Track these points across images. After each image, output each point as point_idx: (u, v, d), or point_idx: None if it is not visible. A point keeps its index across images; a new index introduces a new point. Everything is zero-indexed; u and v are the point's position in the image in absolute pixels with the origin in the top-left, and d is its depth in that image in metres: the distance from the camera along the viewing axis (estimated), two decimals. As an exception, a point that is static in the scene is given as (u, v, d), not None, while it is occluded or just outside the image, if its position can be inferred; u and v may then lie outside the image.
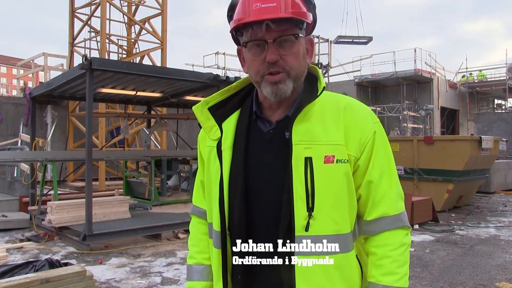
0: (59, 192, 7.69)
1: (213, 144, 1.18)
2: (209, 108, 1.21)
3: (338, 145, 1.09)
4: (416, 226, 7.12)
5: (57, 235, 6.26)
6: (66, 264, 3.61)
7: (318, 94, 1.13)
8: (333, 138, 1.10)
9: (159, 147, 12.14)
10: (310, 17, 1.12)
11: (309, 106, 1.11)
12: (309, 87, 1.17)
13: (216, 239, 1.17)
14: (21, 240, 6.20)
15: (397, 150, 9.24)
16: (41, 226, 6.66)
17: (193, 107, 1.23)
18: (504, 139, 11.87)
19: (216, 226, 1.16)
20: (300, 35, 1.10)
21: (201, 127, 1.25)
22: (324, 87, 1.15)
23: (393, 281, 1.10)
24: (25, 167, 8.12)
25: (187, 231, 6.49)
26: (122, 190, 8.87)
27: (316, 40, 16.20)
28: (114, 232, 5.92)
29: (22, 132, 10.06)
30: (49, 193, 7.83)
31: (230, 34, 1.17)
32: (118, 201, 6.96)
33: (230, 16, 1.15)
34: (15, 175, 8.77)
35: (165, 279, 4.50)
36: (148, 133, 10.53)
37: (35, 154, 7.24)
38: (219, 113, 1.21)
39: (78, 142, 11.41)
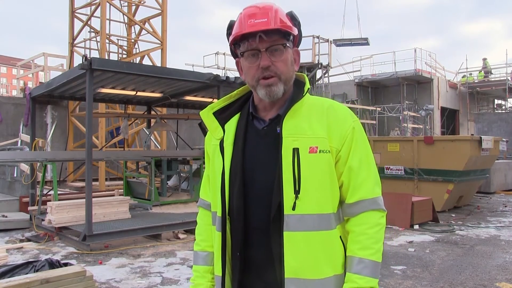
0: (59, 192, 7.69)
1: (217, 143, 1.39)
2: (214, 112, 1.42)
3: (321, 138, 1.29)
4: (416, 226, 7.12)
5: (57, 235, 6.26)
6: (66, 264, 3.61)
7: (303, 94, 1.34)
8: (317, 132, 1.29)
9: (159, 147, 12.13)
10: (295, 31, 1.34)
11: (297, 105, 1.32)
12: (298, 90, 1.38)
13: (218, 223, 1.36)
14: (21, 240, 6.20)
15: (397, 150, 9.25)
16: (41, 226, 6.66)
17: (200, 112, 1.45)
18: (504, 139, 11.85)
19: (218, 212, 1.35)
20: (288, 45, 1.31)
21: (201, 128, 1.40)
22: (308, 89, 1.37)
23: (368, 254, 1.28)
24: (25, 167, 8.11)
25: (187, 232, 6.51)
26: (122, 190, 8.86)
27: (316, 40, 16.25)
28: (114, 232, 5.93)
29: (22, 132, 10.05)
30: (49, 193, 7.83)
31: (229, 48, 1.38)
32: (118, 201, 6.97)
33: (229, 34, 1.36)
34: (15, 175, 8.75)
35: (165, 279, 4.50)
36: (148, 133, 10.52)
37: (35, 154, 7.23)
38: (222, 116, 1.41)
39: (78, 142, 11.41)
